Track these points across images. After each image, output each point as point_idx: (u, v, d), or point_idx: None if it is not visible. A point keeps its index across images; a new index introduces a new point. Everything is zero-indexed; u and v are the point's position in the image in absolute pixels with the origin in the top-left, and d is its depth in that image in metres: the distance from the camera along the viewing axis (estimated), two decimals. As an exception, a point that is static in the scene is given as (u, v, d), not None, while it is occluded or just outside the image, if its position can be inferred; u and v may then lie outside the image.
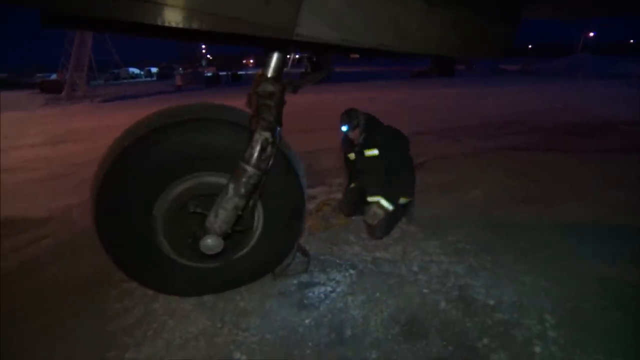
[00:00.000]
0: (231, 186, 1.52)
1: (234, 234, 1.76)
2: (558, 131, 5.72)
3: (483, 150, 4.72)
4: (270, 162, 1.62)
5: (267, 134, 1.52)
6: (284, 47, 1.61)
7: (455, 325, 1.69)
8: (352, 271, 2.14)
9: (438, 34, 1.44)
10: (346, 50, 1.64)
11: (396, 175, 2.43)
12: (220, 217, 1.53)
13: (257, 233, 1.88)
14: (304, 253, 2.25)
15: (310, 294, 1.94)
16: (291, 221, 1.93)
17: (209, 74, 21.84)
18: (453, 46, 1.54)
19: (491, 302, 1.83)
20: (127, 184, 1.57)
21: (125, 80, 28.33)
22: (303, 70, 19.73)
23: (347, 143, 2.58)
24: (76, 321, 1.77)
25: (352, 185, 2.71)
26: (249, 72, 39.60)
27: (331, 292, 1.95)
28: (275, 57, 1.61)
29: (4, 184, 3.87)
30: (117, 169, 1.55)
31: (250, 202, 1.67)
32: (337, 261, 2.26)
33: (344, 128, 2.40)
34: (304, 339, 1.63)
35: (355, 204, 2.62)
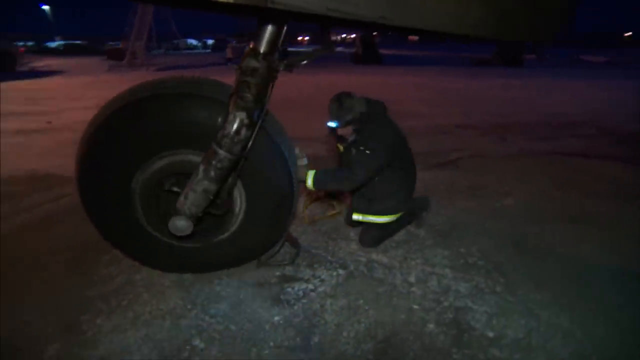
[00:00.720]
0: (201, 168, 1.41)
1: (212, 217, 1.68)
2: (633, 139, 4.80)
3: (531, 152, 4.12)
4: (249, 146, 1.49)
5: (243, 115, 1.37)
6: (278, 19, 1.42)
7: (439, 354, 1.47)
8: (341, 271, 1.97)
9: (458, 8, 1.15)
10: (341, 24, 1.40)
11: (388, 185, 2.11)
12: (190, 199, 1.45)
13: (239, 218, 1.78)
14: (294, 244, 2.12)
15: (289, 289, 1.82)
16: (277, 209, 1.79)
17: None
18: (480, 24, 1.23)
19: (490, 334, 1.56)
20: (107, 154, 1.55)
21: (183, 51, 29.84)
22: (354, 50, 19.08)
23: (336, 136, 2.15)
24: (64, 282, 1.85)
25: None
26: (300, 49, 39.50)
27: (312, 290, 1.82)
28: (267, 30, 1.43)
29: (49, 142, 4.25)
30: (98, 138, 1.53)
31: (227, 186, 1.56)
32: (329, 257, 2.10)
33: (332, 124, 1.93)
34: (267, 338, 1.53)
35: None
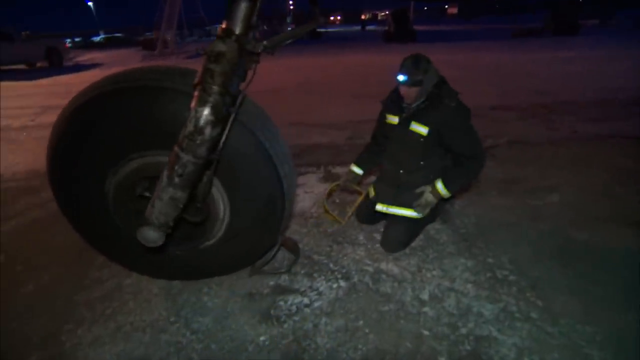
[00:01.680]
0: (165, 174, 1.22)
1: (190, 225, 1.51)
2: None
3: (584, 136, 3.51)
4: (220, 146, 1.27)
5: (206, 111, 1.14)
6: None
7: (450, 398, 1.20)
8: (342, 283, 1.74)
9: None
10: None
11: (431, 170, 1.89)
12: (157, 207, 1.27)
13: (225, 223, 1.59)
14: (293, 249, 1.91)
15: (281, 303, 1.63)
16: (266, 212, 1.58)
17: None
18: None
19: (518, 377, 1.25)
20: (74, 157, 1.42)
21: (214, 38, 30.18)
22: (386, 28, 17.93)
23: (394, 99, 1.92)
24: (55, 285, 1.81)
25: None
26: (330, 30, 38.23)
27: (306, 305, 1.61)
28: (239, 5, 1.18)
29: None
30: (61, 141, 1.39)
31: (200, 192, 1.37)
32: (331, 265, 1.87)
33: (402, 77, 1.73)
34: (248, 363, 1.36)
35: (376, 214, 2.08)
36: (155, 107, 1.31)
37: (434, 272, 1.77)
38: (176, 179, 1.21)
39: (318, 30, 25.62)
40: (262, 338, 1.45)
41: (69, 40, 24.62)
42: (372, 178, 2.48)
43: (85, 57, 17.36)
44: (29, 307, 1.66)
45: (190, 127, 1.16)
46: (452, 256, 1.88)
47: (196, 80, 1.17)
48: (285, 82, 7.24)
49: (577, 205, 2.30)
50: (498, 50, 11.51)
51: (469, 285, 1.67)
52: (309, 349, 1.40)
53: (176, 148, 1.18)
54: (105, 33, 34.76)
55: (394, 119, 1.92)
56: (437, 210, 2.04)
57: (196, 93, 1.17)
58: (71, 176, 1.46)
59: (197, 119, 1.15)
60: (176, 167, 1.19)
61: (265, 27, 20.62)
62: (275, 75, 8.29)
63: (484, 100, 5.01)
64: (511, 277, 1.71)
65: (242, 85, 1.35)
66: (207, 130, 1.16)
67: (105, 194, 1.48)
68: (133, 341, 1.46)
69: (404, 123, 1.85)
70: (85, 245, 1.81)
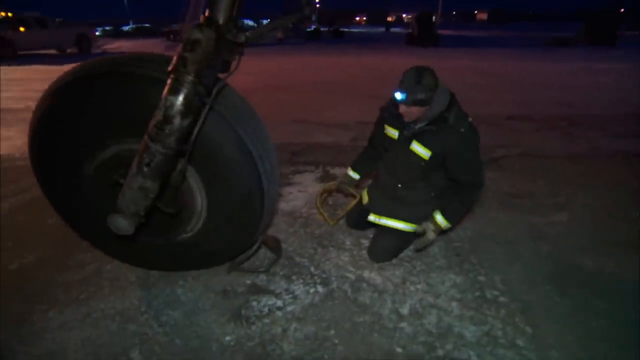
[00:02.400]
0: (135, 162, 1.19)
1: (164, 215, 1.48)
2: None
3: (606, 153, 3.28)
4: (192, 137, 1.22)
5: (176, 99, 1.10)
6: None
7: None
8: (320, 288, 1.67)
9: None
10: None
11: (433, 189, 1.78)
12: (127, 196, 1.25)
13: (203, 216, 1.56)
14: (274, 249, 1.86)
15: (254, 303, 1.58)
16: (243, 210, 1.53)
17: (310, 29, 22.05)
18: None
19: (491, 409, 1.15)
20: (52, 142, 1.42)
21: (240, 33, 30.64)
22: (410, 31, 17.59)
23: (394, 113, 1.69)
24: (39, 265, 1.83)
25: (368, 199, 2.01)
26: (354, 30, 37.95)
27: (279, 308, 1.55)
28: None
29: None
30: (39, 125, 1.39)
31: (173, 183, 1.33)
32: (312, 269, 1.80)
33: (399, 95, 1.48)
34: (208, 362, 1.31)
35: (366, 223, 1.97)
36: (133, 93, 1.29)
37: (419, 286, 1.68)
38: (145, 169, 1.18)
39: (341, 30, 25.53)
40: (227, 338, 1.41)
41: (99, 28, 25.54)
42: (369, 181, 2.40)
43: (114, 45, 17.97)
44: (9, 285, 1.69)
45: (159, 116, 1.12)
46: (441, 270, 1.78)
47: (170, 67, 1.13)
48: (301, 80, 7.21)
49: (586, 226, 2.13)
50: (526, 58, 11.06)
51: (454, 303, 1.57)
52: (273, 354, 1.34)
53: (145, 137, 1.15)
54: (135, 23, 35.95)
55: (393, 133, 1.74)
56: None
57: (168, 81, 1.13)
58: (50, 159, 1.47)
59: (167, 108, 1.11)
60: (144, 156, 1.16)
61: (290, 25, 20.69)
62: (291, 73, 8.29)
63: (502, 110, 4.80)
64: (501, 299, 1.59)
65: (224, 77, 1.31)
66: (177, 120, 1.12)
67: (83, 178, 1.48)
68: (100, 328, 1.45)
69: (405, 141, 1.68)
70: None
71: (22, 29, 11.37)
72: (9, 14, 11.70)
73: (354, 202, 2.11)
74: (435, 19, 17.75)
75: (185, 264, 1.73)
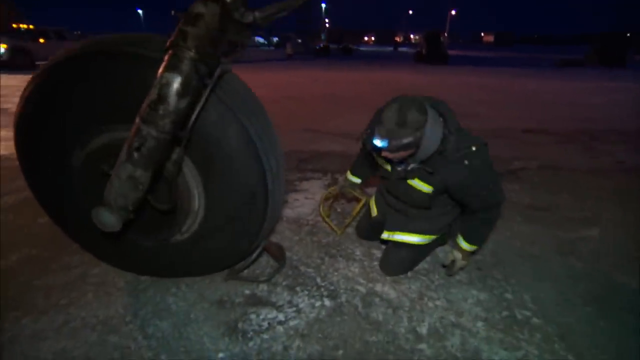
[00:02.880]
0: (124, 148, 1.06)
1: (159, 214, 1.33)
2: None
3: (629, 166, 3.10)
4: (190, 122, 1.10)
5: (173, 77, 0.98)
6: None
7: None
8: (327, 302, 1.49)
9: None
10: None
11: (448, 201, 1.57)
12: (115, 187, 1.11)
13: (199, 217, 1.41)
14: (277, 257, 1.69)
15: (253, 316, 1.40)
16: (245, 210, 1.39)
17: (319, 46, 22.66)
18: None
19: None
20: (37, 128, 1.31)
21: (251, 47, 31.63)
22: (418, 49, 17.81)
23: (377, 154, 1.49)
24: (20, 267, 1.68)
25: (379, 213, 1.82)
26: (362, 48, 38.70)
27: (280, 323, 1.37)
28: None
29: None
30: (29, 104, 1.28)
31: (167, 174, 1.20)
32: (318, 280, 1.63)
33: (379, 143, 1.24)
34: (197, 384, 1.13)
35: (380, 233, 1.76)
36: (129, 75, 1.17)
37: (438, 302, 1.49)
38: (135, 155, 1.05)
39: (349, 47, 26.12)
40: (220, 355, 1.23)
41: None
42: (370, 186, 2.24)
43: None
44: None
45: (153, 95, 1.00)
46: (462, 285, 1.59)
47: (168, 42, 1.02)
48: (311, 93, 7.20)
49: (619, 242, 1.94)
50: (537, 77, 11.03)
51: (480, 324, 1.37)
52: (272, 377, 1.15)
53: (137, 119, 1.03)
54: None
55: (386, 166, 1.53)
56: (451, 232, 1.75)
57: (165, 57, 1.01)
58: (36, 146, 1.35)
59: (162, 86, 0.99)
60: (135, 140, 1.03)
61: (299, 41, 21.26)
62: (301, 86, 8.31)
63: (516, 124, 4.66)
64: (534, 321, 1.39)
65: (230, 61, 1.20)
66: (173, 101, 1.00)
67: (71, 169, 1.35)
68: (77, 339, 1.28)
69: (400, 175, 1.47)
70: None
71: (41, 40, 11.74)
72: (31, 26, 12.13)
73: (359, 206, 1.94)
74: (444, 39, 18.03)
75: (178, 270, 1.56)
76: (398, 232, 1.68)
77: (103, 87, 1.21)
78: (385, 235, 1.71)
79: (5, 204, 2.29)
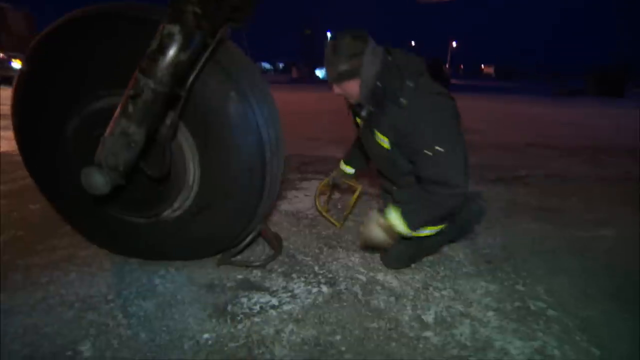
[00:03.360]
0: (121, 102, 1.03)
1: (147, 184, 1.27)
2: None
3: (639, 176, 3.00)
4: (189, 80, 1.07)
5: (174, 29, 0.97)
6: None
7: None
8: (325, 288, 1.38)
9: None
10: None
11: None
12: (107, 144, 1.07)
13: (193, 192, 1.35)
14: (273, 243, 1.60)
15: (244, 299, 1.30)
16: (241, 185, 1.33)
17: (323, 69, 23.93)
18: None
19: None
20: (35, 91, 1.29)
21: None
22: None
23: (350, 110, 1.49)
24: (5, 247, 1.61)
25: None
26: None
27: (273, 307, 1.26)
28: None
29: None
30: (30, 68, 1.27)
31: (161, 135, 1.15)
32: (316, 268, 1.53)
33: (321, 74, 1.33)
34: (177, 363, 1.02)
35: None
36: (132, 38, 1.16)
37: (444, 292, 1.38)
38: (130, 108, 1.01)
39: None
40: (205, 336, 1.12)
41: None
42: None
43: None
44: None
45: (153, 46, 0.98)
46: (470, 277, 1.48)
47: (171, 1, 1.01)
48: (314, 108, 7.32)
49: (637, 241, 1.82)
50: (538, 103, 11.20)
51: (490, 313, 1.26)
52: (261, 359, 1.04)
53: (137, 70, 1.00)
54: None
55: (360, 123, 1.47)
56: (447, 235, 1.55)
57: (169, 10, 1.00)
58: (31, 115, 1.32)
59: (163, 37, 0.98)
60: (131, 91, 1.00)
61: (304, 66, 22.16)
62: (306, 103, 8.47)
63: (519, 139, 4.65)
64: (551, 312, 1.27)
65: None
66: (172, 52, 0.98)
67: (66, 138, 1.31)
68: (52, 315, 1.18)
69: (369, 132, 1.40)
70: (57, 214, 1.62)
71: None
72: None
73: (355, 195, 1.87)
74: (445, 68, 18.59)
75: (168, 252, 1.48)
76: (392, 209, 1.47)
77: (104, 49, 1.20)
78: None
79: (6, 190, 2.25)
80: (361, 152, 1.77)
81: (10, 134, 3.97)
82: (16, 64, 10.93)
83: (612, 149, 4.14)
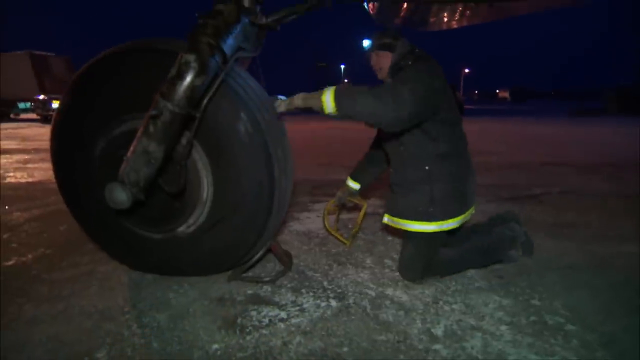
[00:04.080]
0: (143, 122, 1.15)
1: (168, 199, 1.37)
2: None
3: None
4: (204, 102, 1.19)
5: (191, 57, 1.10)
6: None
7: None
8: (333, 303, 1.39)
9: None
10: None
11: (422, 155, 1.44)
12: (129, 162, 1.18)
13: (207, 207, 1.43)
14: (283, 260, 1.63)
15: (253, 313, 1.32)
16: (252, 200, 1.40)
17: None
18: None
19: None
20: (72, 117, 1.45)
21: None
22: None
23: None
24: (33, 263, 1.72)
25: None
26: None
27: (282, 320, 1.27)
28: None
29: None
30: (68, 100, 1.44)
31: (178, 154, 1.26)
32: (325, 284, 1.54)
33: (367, 43, 1.54)
34: (186, 371, 1.04)
35: None
36: (154, 68, 1.31)
37: (455, 306, 1.35)
38: (150, 128, 1.13)
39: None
40: (215, 346, 1.14)
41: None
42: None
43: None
44: (21, 279, 1.56)
45: (173, 72, 1.11)
46: (482, 291, 1.45)
47: (190, 32, 1.16)
48: (326, 136, 7.53)
49: (665, 258, 1.73)
50: (554, 124, 11.06)
51: (503, 327, 1.22)
52: (268, 369, 1.04)
53: (157, 94, 1.13)
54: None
55: None
56: (493, 251, 1.58)
57: (186, 43, 1.15)
58: (67, 140, 1.47)
59: (181, 65, 1.11)
60: (152, 112, 1.12)
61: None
62: (317, 132, 8.73)
63: (535, 158, 4.59)
64: (569, 327, 1.22)
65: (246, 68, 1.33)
66: (189, 77, 1.10)
67: (94, 159, 1.44)
68: (72, 325, 1.24)
69: None
70: (84, 234, 1.73)
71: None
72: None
73: (362, 212, 1.89)
74: (458, 94, 18.79)
75: (181, 267, 1.53)
76: (392, 217, 1.54)
77: (126, 79, 1.36)
78: (385, 218, 1.58)
79: (33, 214, 2.42)
80: (369, 165, 1.86)
81: (45, 165, 4.33)
82: (56, 104, 11.96)
83: (632, 166, 4.00)
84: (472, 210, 1.55)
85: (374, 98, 1.26)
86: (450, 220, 1.45)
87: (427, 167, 1.44)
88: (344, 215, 2.35)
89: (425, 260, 1.50)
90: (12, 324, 1.24)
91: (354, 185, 1.89)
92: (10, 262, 1.72)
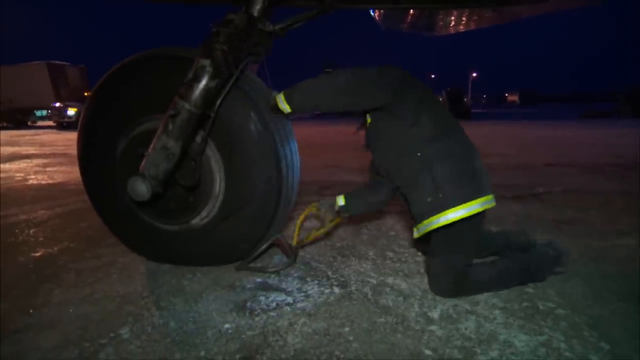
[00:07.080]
0: (162, 121, 1.28)
1: (183, 193, 1.49)
2: None
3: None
4: (217, 102, 1.31)
5: (206, 62, 1.22)
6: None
7: None
8: (337, 290, 1.48)
9: None
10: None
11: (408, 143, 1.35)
12: (150, 157, 1.30)
13: (219, 200, 1.55)
14: (288, 252, 1.72)
15: (262, 297, 1.42)
16: (261, 195, 1.51)
17: None
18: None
19: None
20: (98, 119, 1.59)
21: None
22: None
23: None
24: (59, 254, 1.86)
25: None
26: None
27: (288, 304, 1.37)
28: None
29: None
30: (91, 105, 1.59)
31: (193, 150, 1.38)
32: (329, 273, 1.63)
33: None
34: (201, 345, 1.13)
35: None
36: (170, 73, 1.43)
37: (452, 293, 1.42)
38: (169, 126, 1.25)
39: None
40: (226, 326, 1.24)
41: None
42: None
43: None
44: (27, 267, 1.70)
45: (190, 75, 1.23)
46: (479, 281, 1.51)
47: (205, 40, 1.29)
48: (334, 140, 7.64)
49: (662, 250, 1.77)
50: (562, 127, 10.94)
51: (496, 312, 1.29)
52: (275, 345, 1.14)
53: (176, 96, 1.25)
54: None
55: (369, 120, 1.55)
56: (533, 270, 1.43)
57: (201, 49, 1.27)
58: (91, 141, 1.62)
59: (198, 69, 1.23)
60: (170, 112, 1.24)
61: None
62: (326, 135, 8.85)
63: (539, 159, 4.61)
64: (559, 311, 1.28)
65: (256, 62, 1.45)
66: (205, 80, 1.22)
67: (115, 158, 1.58)
68: (98, 307, 1.36)
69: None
70: (104, 229, 1.86)
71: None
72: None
73: (324, 229, 1.68)
74: (466, 98, 18.71)
75: (194, 257, 1.65)
76: (414, 229, 1.41)
77: (145, 84, 1.49)
78: (414, 233, 1.43)
79: (56, 212, 2.58)
80: (365, 188, 1.66)
81: (63, 168, 4.55)
82: (71, 112, 12.43)
83: (636, 166, 3.98)
84: (491, 199, 1.34)
85: (315, 82, 1.36)
86: (467, 204, 1.27)
87: (418, 154, 1.32)
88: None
89: (456, 270, 1.35)
90: (45, 305, 1.37)
91: (340, 200, 1.62)
92: (38, 254, 1.86)
